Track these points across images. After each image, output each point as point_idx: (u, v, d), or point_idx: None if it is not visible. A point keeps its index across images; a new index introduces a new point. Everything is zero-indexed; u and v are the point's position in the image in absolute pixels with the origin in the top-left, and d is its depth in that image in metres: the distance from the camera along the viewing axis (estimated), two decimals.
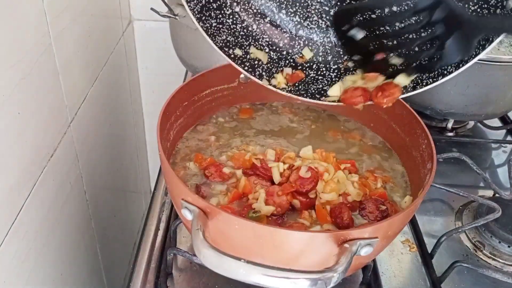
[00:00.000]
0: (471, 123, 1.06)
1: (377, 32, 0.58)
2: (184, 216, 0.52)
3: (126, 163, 1.37)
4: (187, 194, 0.51)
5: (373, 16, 0.57)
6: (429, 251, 0.72)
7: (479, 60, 0.86)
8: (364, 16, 0.57)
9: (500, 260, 0.73)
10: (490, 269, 0.69)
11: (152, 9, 0.92)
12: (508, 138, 1.05)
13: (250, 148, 0.71)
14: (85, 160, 0.98)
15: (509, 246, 0.73)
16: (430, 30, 0.54)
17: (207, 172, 0.66)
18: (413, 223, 0.77)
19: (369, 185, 0.66)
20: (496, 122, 1.07)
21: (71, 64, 0.88)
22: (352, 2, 0.60)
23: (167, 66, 1.36)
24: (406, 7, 0.54)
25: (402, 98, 0.69)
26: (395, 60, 0.58)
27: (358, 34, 0.58)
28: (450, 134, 1.03)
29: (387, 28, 0.57)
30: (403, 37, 0.57)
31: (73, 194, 0.93)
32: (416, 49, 0.56)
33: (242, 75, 0.76)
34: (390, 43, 0.57)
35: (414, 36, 0.56)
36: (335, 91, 0.62)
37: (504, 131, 1.06)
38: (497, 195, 0.81)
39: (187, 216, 0.51)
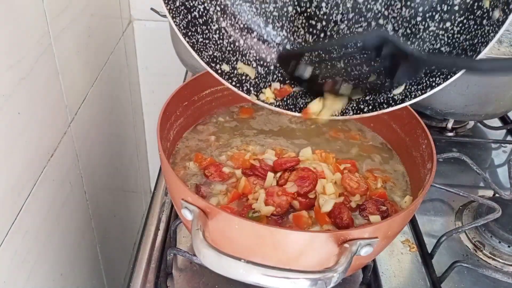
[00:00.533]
0: (471, 123, 1.06)
1: (325, 65, 0.58)
2: (184, 216, 0.52)
3: (126, 163, 1.37)
4: (187, 194, 0.51)
5: (320, 55, 0.57)
6: (429, 251, 0.72)
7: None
8: (310, 56, 0.58)
9: (500, 260, 0.73)
10: (490, 269, 0.69)
11: (152, 9, 0.93)
12: (508, 138, 1.04)
13: (250, 148, 0.71)
14: (85, 160, 0.98)
15: (509, 246, 0.73)
16: (377, 63, 0.56)
17: (207, 172, 0.66)
18: (413, 223, 0.77)
19: (369, 185, 0.66)
20: (496, 122, 1.07)
21: (71, 64, 0.88)
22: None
23: (167, 66, 1.36)
24: (353, 48, 0.55)
25: None
26: (344, 89, 0.59)
27: (306, 73, 0.58)
28: (450, 134, 1.03)
29: (334, 62, 0.58)
30: (351, 70, 0.58)
31: (73, 194, 0.93)
32: (364, 78, 0.58)
33: None
34: (338, 74, 0.58)
35: (362, 69, 0.57)
36: (316, 106, 0.62)
37: (504, 131, 1.06)
38: (497, 195, 0.81)
39: (187, 216, 0.51)
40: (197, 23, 0.58)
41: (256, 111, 0.80)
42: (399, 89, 0.58)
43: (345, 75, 0.58)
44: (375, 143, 0.76)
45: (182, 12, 0.56)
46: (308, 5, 0.59)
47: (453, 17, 0.55)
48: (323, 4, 0.59)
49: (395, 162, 0.72)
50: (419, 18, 0.57)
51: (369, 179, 0.68)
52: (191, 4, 0.57)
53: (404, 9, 0.57)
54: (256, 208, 0.60)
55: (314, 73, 0.59)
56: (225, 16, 0.60)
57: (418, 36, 0.58)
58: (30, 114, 0.72)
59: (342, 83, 0.58)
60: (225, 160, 0.69)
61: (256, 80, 0.62)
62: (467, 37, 0.54)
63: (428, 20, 0.57)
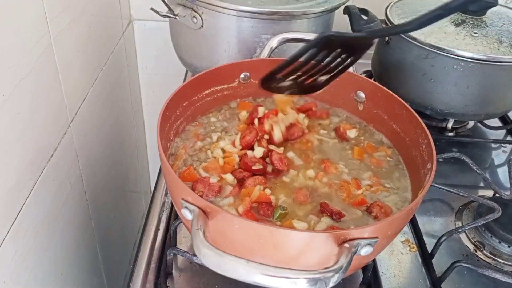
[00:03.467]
0: (471, 123, 1.06)
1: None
2: (184, 216, 0.52)
3: (126, 163, 1.37)
4: (187, 193, 0.51)
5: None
6: (429, 251, 0.72)
7: (479, 60, 0.87)
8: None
9: (500, 260, 0.73)
10: (490, 269, 0.69)
11: (152, 9, 0.92)
12: (508, 138, 1.05)
13: (216, 149, 0.68)
14: (85, 160, 0.98)
15: (509, 246, 0.73)
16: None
17: (197, 192, 0.60)
18: (413, 223, 0.77)
19: (349, 192, 0.64)
20: (496, 122, 1.07)
21: (71, 64, 0.88)
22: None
23: (167, 66, 1.36)
24: (310, 54, 0.59)
25: (402, 98, 0.70)
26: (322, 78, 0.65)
27: (285, 83, 0.64)
28: (450, 134, 1.02)
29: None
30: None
31: (73, 194, 0.93)
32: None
33: (242, 75, 0.77)
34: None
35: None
36: None
37: (504, 131, 1.06)
38: (497, 195, 0.81)
39: (187, 216, 0.51)
40: None
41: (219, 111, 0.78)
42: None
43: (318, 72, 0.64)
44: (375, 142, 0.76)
45: None
46: None
47: None
48: None
49: None
50: None
51: (351, 185, 0.65)
52: None
53: None
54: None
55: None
56: None
57: None
58: (30, 114, 0.72)
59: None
60: (207, 173, 0.64)
61: None
62: None
63: None
